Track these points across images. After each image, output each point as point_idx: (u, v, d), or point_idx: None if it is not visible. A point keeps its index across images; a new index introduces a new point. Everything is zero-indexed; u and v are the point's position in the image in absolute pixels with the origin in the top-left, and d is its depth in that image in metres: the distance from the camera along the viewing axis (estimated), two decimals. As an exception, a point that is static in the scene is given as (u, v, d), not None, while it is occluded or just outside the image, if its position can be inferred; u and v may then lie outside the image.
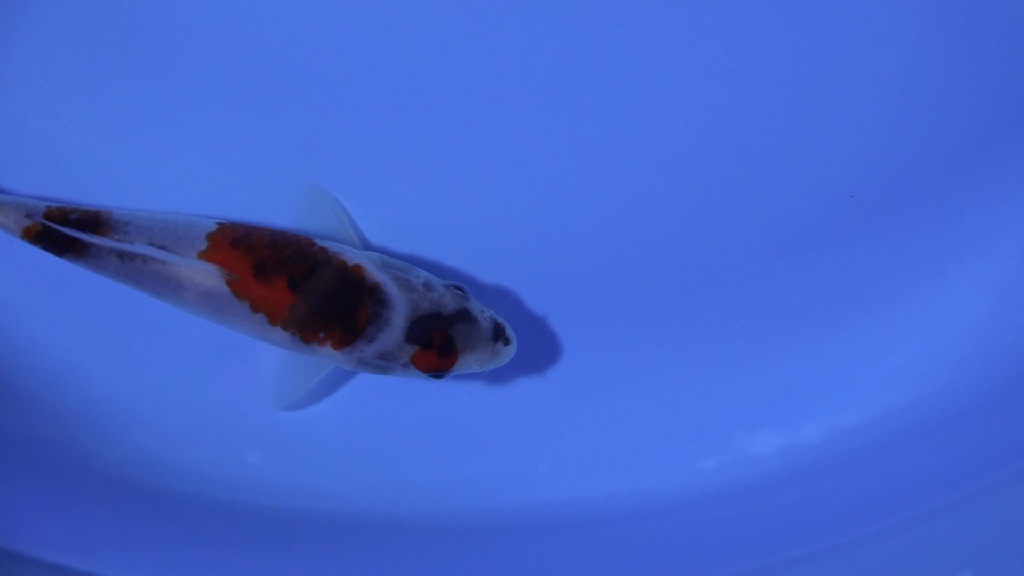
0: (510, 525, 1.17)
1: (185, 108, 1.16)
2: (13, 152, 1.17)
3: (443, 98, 1.19)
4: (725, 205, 1.20)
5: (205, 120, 1.16)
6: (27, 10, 1.15)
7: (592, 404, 1.18)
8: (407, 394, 1.18)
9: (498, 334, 1.06)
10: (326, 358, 1.04)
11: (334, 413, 1.17)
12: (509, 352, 1.07)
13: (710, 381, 1.18)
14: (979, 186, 1.20)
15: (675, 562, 1.13)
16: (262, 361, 1.16)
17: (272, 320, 1.02)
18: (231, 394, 1.17)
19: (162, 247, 1.03)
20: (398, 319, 1.03)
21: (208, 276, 1.03)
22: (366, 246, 1.13)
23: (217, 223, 1.04)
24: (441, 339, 1.04)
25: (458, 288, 1.06)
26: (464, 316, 1.05)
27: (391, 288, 1.04)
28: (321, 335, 1.02)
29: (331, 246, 1.04)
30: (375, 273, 1.04)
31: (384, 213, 1.17)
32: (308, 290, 1.03)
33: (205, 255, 1.03)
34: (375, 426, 1.18)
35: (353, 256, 1.04)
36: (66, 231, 1.04)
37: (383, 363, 1.04)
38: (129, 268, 1.04)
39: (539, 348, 1.16)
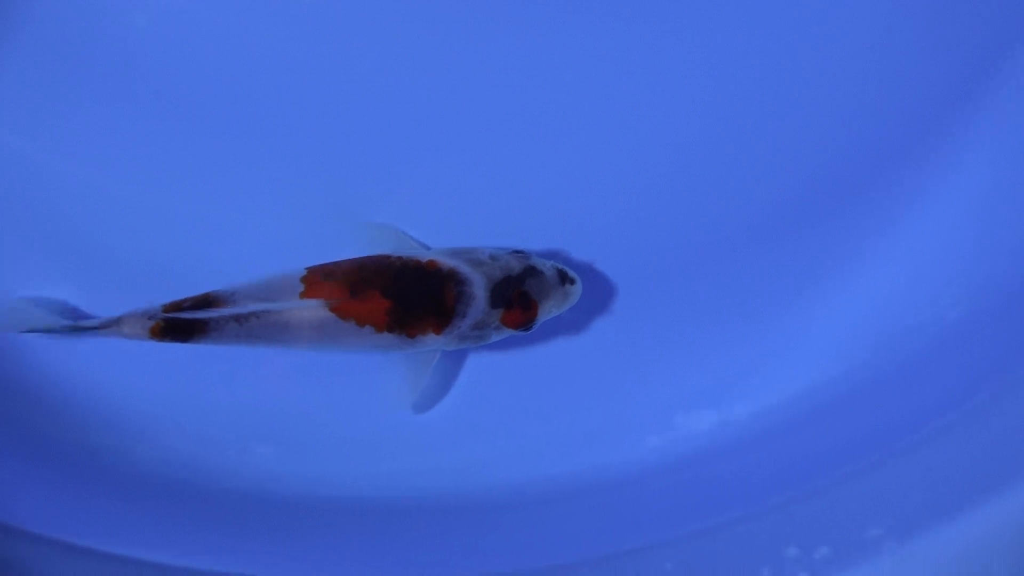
0: (495, 502, 1.27)
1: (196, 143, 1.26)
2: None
3: (447, 104, 1.28)
4: (661, 201, 1.28)
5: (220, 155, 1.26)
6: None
7: (552, 392, 1.29)
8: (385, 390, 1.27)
9: (564, 278, 1.18)
10: (432, 345, 1.16)
11: (339, 409, 1.28)
12: (576, 291, 1.18)
13: (651, 369, 1.29)
14: (891, 172, 1.28)
15: (630, 526, 1.23)
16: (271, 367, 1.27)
17: (378, 328, 1.13)
18: (247, 396, 1.27)
19: (268, 301, 1.12)
20: (479, 291, 1.15)
21: (315, 311, 1.12)
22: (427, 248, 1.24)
23: (305, 268, 1.15)
24: (519, 297, 1.15)
25: (518, 251, 1.18)
26: (532, 272, 1.16)
27: (465, 268, 1.15)
28: (421, 326, 1.14)
29: (403, 254, 1.16)
30: (447, 261, 1.16)
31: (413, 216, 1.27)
32: (399, 293, 1.13)
33: (306, 295, 1.13)
34: (373, 419, 1.28)
35: (424, 255, 1.16)
36: (187, 316, 1.12)
37: (479, 332, 1.17)
38: (247, 328, 1.13)
39: (503, 344, 1.26)
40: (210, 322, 1.12)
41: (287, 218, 1.28)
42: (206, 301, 1.13)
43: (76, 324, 1.15)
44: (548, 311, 1.17)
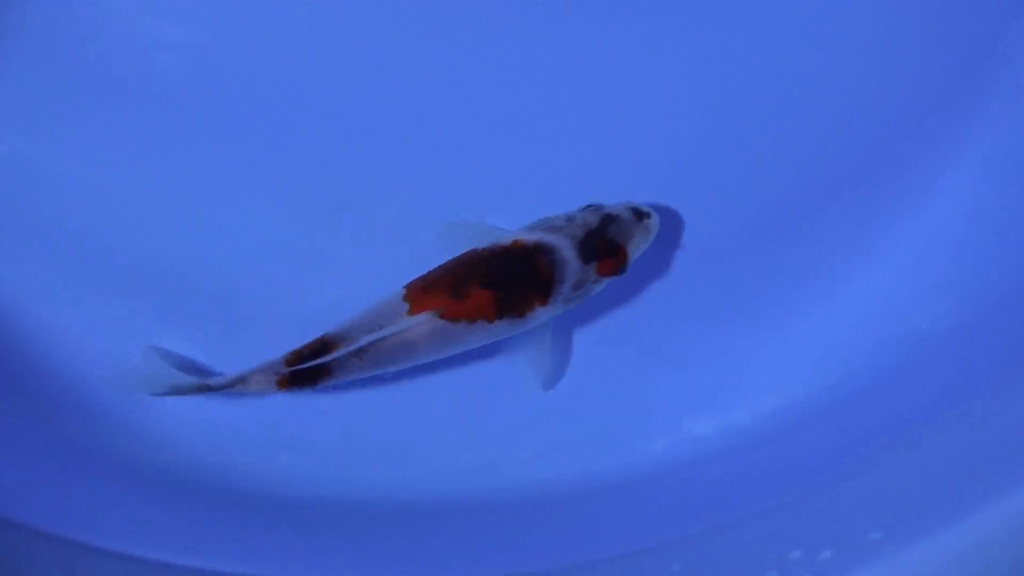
0: (503, 505, 1.31)
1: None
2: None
3: (447, 104, 1.31)
4: (662, 203, 1.32)
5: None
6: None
7: (559, 396, 1.33)
8: (405, 397, 1.33)
9: (640, 215, 1.21)
10: (542, 317, 1.19)
11: (350, 419, 1.32)
12: (654, 223, 1.21)
13: (656, 374, 1.33)
14: (889, 178, 1.31)
15: (637, 526, 1.26)
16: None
17: (490, 319, 1.16)
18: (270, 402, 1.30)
19: (380, 328, 1.15)
20: (568, 253, 1.17)
21: (427, 324, 1.15)
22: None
23: (403, 287, 1.18)
24: (605, 246, 1.19)
25: (589, 206, 1.22)
26: (609, 220, 1.19)
27: (548, 238, 1.18)
28: (528, 303, 1.17)
29: (485, 244, 1.19)
30: (529, 237, 1.18)
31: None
32: (498, 281, 1.16)
33: (413, 311, 1.15)
34: (382, 425, 1.33)
35: (505, 238, 1.19)
36: (311, 364, 1.15)
37: (581, 290, 1.19)
38: (368, 360, 1.15)
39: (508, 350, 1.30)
40: (332, 364, 1.15)
41: (287, 217, 1.32)
42: (323, 345, 1.15)
43: (204, 383, 1.16)
44: (636, 249, 1.21)
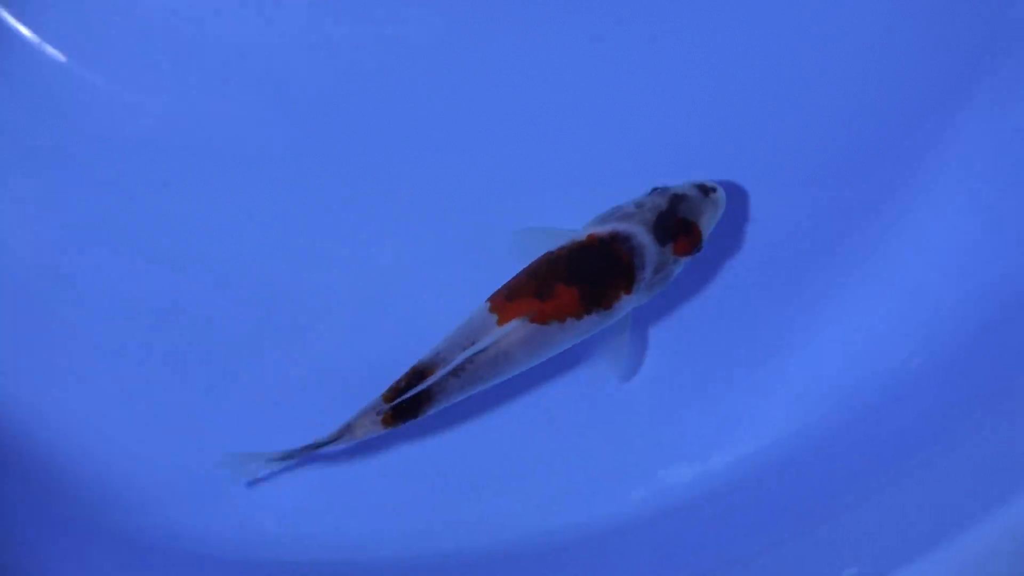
0: (478, 561, 1.30)
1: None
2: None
3: (446, 105, 1.33)
4: None
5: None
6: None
7: (534, 450, 1.34)
8: (390, 454, 1.34)
9: (705, 191, 1.21)
10: (628, 306, 1.19)
11: (341, 473, 1.33)
12: (721, 196, 1.21)
13: (631, 424, 1.34)
14: (856, 222, 1.33)
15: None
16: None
17: (578, 315, 1.16)
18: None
19: (472, 343, 1.15)
20: (643, 238, 1.17)
21: (519, 330, 1.15)
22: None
23: (487, 300, 1.18)
24: (678, 226, 1.19)
25: (655, 189, 1.22)
26: (677, 199, 1.19)
27: (621, 226, 1.18)
28: (613, 293, 1.17)
29: (558, 245, 1.20)
30: (602, 229, 1.18)
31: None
32: (580, 276, 1.16)
33: (503, 321, 1.15)
34: (374, 482, 1.33)
35: (579, 235, 1.19)
36: (412, 394, 1.15)
37: (663, 274, 1.19)
38: (466, 377, 1.16)
39: (484, 403, 1.33)
40: (433, 388, 1.15)
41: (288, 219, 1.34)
42: (418, 374, 1.16)
43: (312, 444, 1.16)
44: (708, 225, 1.21)
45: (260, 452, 1.16)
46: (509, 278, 1.19)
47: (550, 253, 1.18)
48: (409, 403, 1.15)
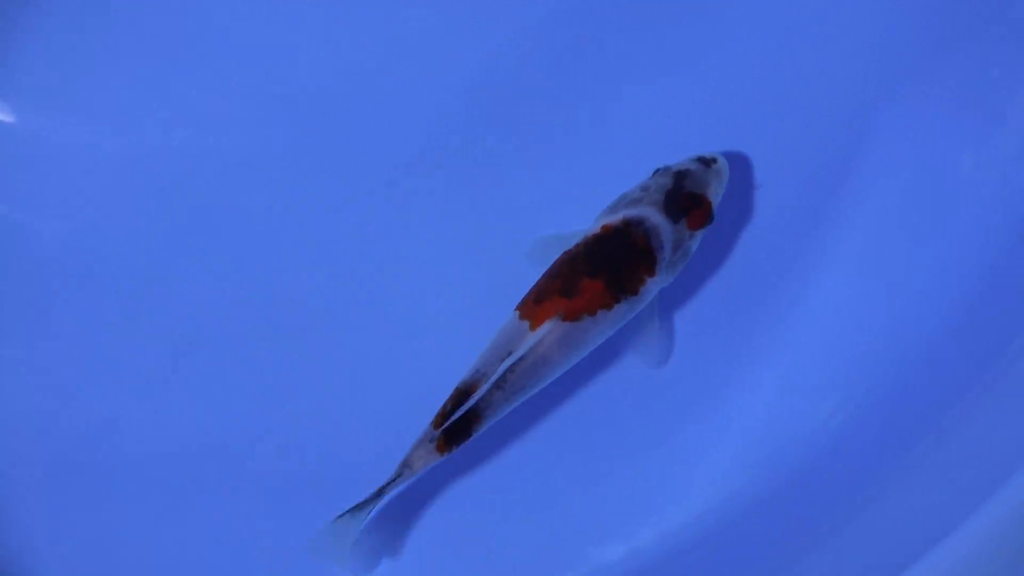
0: None
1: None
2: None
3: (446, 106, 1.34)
4: None
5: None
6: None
7: (463, 531, 1.32)
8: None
9: (707, 163, 1.23)
10: (654, 289, 1.20)
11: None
12: (723, 164, 1.24)
13: (559, 504, 1.32)
14: (767, 280, 1.34)
15: None
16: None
17: (608, 305, 1.17)
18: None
19: (509, 354, 1.16)
20: (656, 218, 1.19)
21: (553, 331, 1.15)
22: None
23: (514, 310, 1.18)
24: (687, 199, 1.20)
25: (657, 169, 1.24)
26: (681, 175, 1.21)
27: (632, 212, 1.19)
28: (638, 277, 1.18)
29: (574, 241, 1.20)
30: (614, 218, 1.19)
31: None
32: (602, 267, 1.17)
33: (536, 325, 1.16)
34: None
35: (591, 229, 1.20)
36: (460, 414, 1.15)
37: (682, 250, 1.21)
38: (510, 388, 1.16)
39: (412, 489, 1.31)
40: (479, 406, 1.16)
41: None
42: (463, 393, 1.16)
43: (377, 491, 1.16)
44: (716, 195, 1.23)
45: (329, 523, 1.15)
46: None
47: (568, 251, 1.19)
48: (458, 425, 1.16)
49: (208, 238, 1.35)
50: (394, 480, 1.16)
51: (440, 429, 1.15)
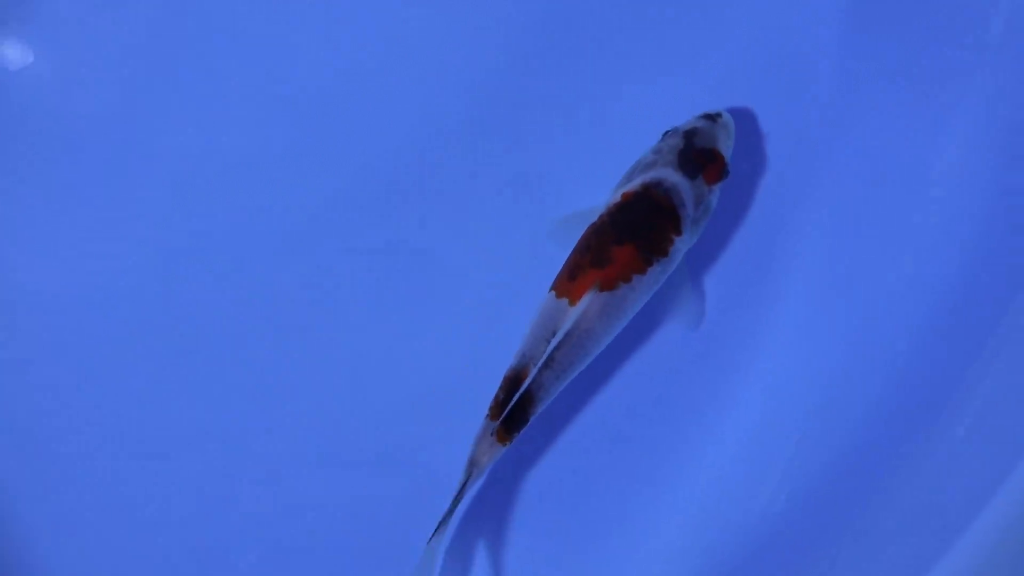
0: None
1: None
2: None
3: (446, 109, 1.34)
4: None
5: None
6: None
7: None
8: None
9: (712, 119, 1.25)
10: (682, 248, 1.21)
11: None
12: (728, 117, 1.26)
13: None
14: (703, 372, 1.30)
15: None
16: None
17: (641, 270, 1.18)
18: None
19: (553, 333, 1.17)
20: (674, 178, 1.20)
21: (592, 303, 1.17)
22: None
23: (550, 290, 1.19)
24: (700, 155, 1.22)
25: (665, 132, 1.25)
26: (691, 134, 1.23)
27: (649, 175, 1.21)
28: (666, 237, 1.19)
29: (595, 215, 1.21)
30: (633, 185, 1.21)
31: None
32: (629, 233, 1.19)
33: (574, 301, 1.17)
34: None
35: (613, 199, 1.22)
36: (515, 400, 1.16)
37: (703, 205, 1.22)
38: (559, 366, 1.17)
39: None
40: (531, 389, 1.17)
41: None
42: (514, 380, 1.17)
43: (455, 497, 1.16)
44: (727, 148, 1.24)
45: (426, 545, 1.15)
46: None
47: (592, 225, 1.20)
48: (515, 412, 1.17)
49: (208, 238, 1.34)
50: (466, 482, 1.17)
51: (499, 420, 1.16)
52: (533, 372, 1.16)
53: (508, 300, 1.31)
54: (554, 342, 1.16)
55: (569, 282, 1.18)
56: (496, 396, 1.17)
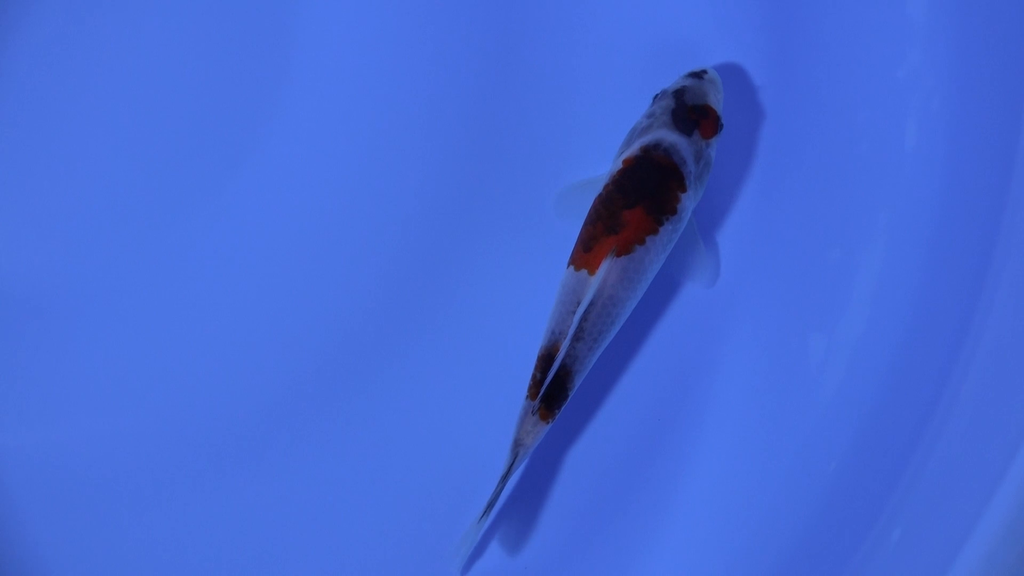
0: None
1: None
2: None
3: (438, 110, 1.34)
4: None
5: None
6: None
7: None
8: None
9: (699, 76, 1.28)
10: (689, 204, 1.24)
11: None
12: (714, 73, 1.28)
13: None
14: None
15: None
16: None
17: (653, 230, 1.21)
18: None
19: (578, 304, 1.19)
20: (672, 137, 1.23)
21: (610, 270, 1.19)
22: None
23: (568, 265, 1.22)
24: (693, 112, 1.24)
25: (655, 96, 1.28)
26: (681, 93, 1.26)
27: (646, 138, 1.23)
28: (673, 195, 1.21)
29: (597, 185, 1.24)
30: (632, 150, 1.23)
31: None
32: (637, 195, 1.21)
33: (593, 270, 1.20)
34: None
35: (615, 165, 1.24)
36: (551, 377, 1.19)
37: (704, 160, 1.25)
38: (589, 336, 1.19)
39: None
40: (566, 363, 1.20)
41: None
42: (547, 357, 1.20)
43: (501, 478, 1.19)
44: (717, 102, 1.27)
45: (473, 523, 1.19)
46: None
47: (599, 195, 1.23)
48: (553, 388, 1.19)
49: (209, 238, 1.34)
50: (512, 462, 1.19)
51: (538, 398, 1.19)
52: (565, 346, 1.19)
53: (506, 298, 1.33)
54: (580, 313, 1.19)
55: (585, 253, 1.21)
56: (533, 375, 1.20)
